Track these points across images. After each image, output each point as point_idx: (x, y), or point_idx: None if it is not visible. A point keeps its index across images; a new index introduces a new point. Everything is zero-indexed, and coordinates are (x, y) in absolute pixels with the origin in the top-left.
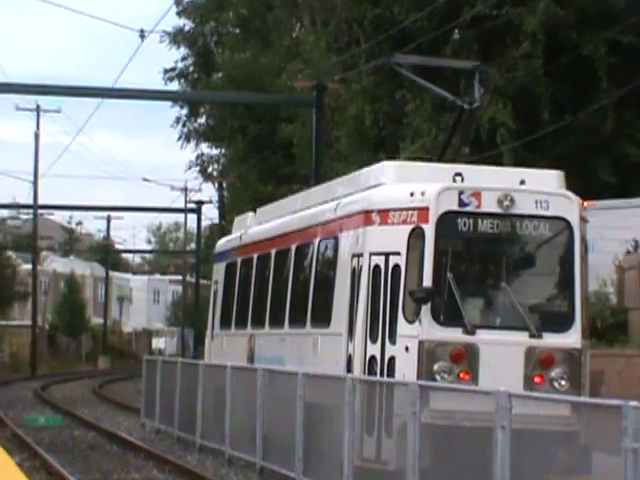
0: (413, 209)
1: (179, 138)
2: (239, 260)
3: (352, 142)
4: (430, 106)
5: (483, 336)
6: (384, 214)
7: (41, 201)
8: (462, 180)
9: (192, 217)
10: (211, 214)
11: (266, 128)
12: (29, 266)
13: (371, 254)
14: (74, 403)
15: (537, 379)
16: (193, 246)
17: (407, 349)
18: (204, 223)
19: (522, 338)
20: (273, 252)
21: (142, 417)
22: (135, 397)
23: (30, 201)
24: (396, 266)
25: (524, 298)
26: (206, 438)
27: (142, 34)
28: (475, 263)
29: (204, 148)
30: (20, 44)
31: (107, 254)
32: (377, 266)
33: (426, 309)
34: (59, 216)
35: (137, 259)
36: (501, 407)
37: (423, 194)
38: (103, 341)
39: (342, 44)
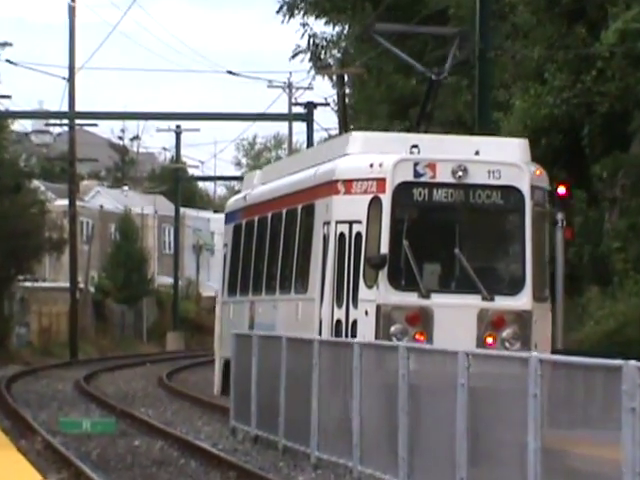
0: (372, 179)
1: (280, 9)
2: (244, 222)
3: (535, 11)
4: None
5: (437, 300)
6: (348, 184)
7: (79, 107)
8: (419, 151)
9: (300, 127)
10: (328, 121)
11: None
12: (64, 202)
13: (337, 222)
14: (132, 400)
15: (489, 340)
16: None
17: (367, 313)
18: (317, 135)
19: (474, 301)
20: (269, 216)
21: (232, 419)
22: None
23: (63, 107)
24: (358, 234)
25: (477, 263)
26: (325, 449)
27: None
28: (430, 231)
29: (317, 25)
30: None
31: (177, 183)
32: (342, 234)
33: (383, 275)
34: (106, 128)
35: (221, 190)
36: (460, 366)
37: (381, 165)
38: (173, 310)
39: None
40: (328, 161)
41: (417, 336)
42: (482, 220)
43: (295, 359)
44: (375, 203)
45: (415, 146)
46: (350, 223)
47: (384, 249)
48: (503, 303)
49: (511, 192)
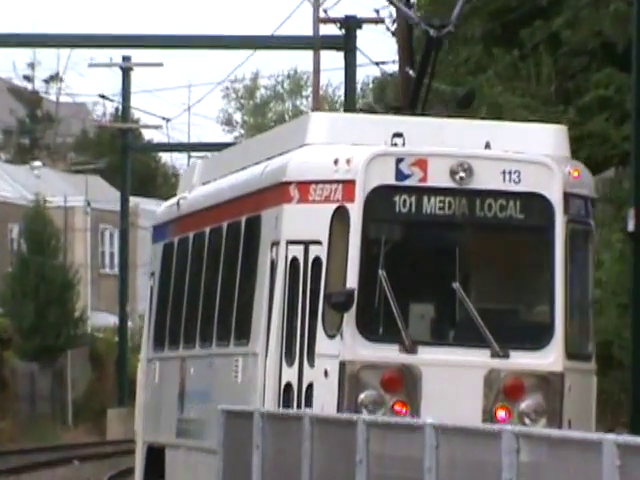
0: (337, 182)
1: None
2: (176, 241)
3: None
4: None
5: (427, 355)
6: (304, 188)
7: None
8: (404, 142)
9: (333, 59)
10: (380, 50)
11: None
12: None
13: (288, 243)
14: None
15: (501, 413)
16: None
17: (326, 373)
18: (362, 72)
19: (481, 358)
20: (207, 232)
21: None
22: None
23: None
24: (316, 260)
25: (484, 304)
26: None
27: None
28: (418, 257)
29: None
30: None
31: (125, 155)
32: (295, 259)
33: (350, 319)
34: (3, 62)
35: None
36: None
37: (349, 162)
38: (118, 370)
39: None
40: (281, 154)
41: (397, 407)
42: (493, 242)
43: (326, 453)
44: (340, 216)
45: (399, 135)
46: (306, 244)
47: (352, 282)
48: (522, 361)
49: (535, 202)
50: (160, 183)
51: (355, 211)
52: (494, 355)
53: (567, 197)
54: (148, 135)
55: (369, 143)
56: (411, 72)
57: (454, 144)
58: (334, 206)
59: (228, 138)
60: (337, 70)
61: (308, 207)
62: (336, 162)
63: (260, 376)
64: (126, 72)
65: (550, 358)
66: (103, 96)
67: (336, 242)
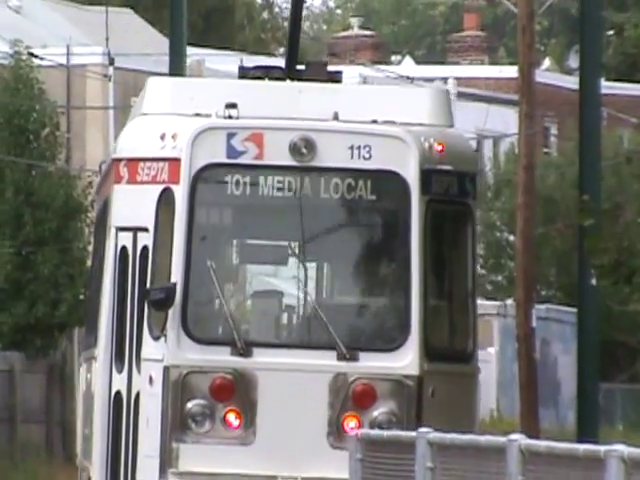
0: (164, 160)
1: None
2: (106, 199)
3: None
4: None
5: (262, 358)
6: (133, 166)
7: None
8: (238, 113)
9: None
10: None
11: None
12: None
13: (118, 229)
14: None
15: (350, 423)
16: None
17: (151, 380)
18: None
19: (326, 361)
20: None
21: None
22: None
23: None
24: (144, 250)
25: (331, 298)
26: None
27: None
28: (253, 245)
29: None
30: None
31: None
32: (124, 249)
33: (174, 318)
34: None
35: None
36: None
37: (175, 137)
38: None
39: None
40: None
41: (229, 417)
42: (340, 227)
43: None
44: (166, 199)
45: (232, 105)
46: (135, 231)
47: (176, 275)
48: (373, 364)
49: (388, 180)
50: (240, 23)
51: (180, 194)
52: (340, 358)
53: (428, 174)
54: None
55: (210, 114)
56: None
57: (307, 115)
58: (160, 188)
59: None
60: None
61: (136, 188)
62: (162, 137)
63: (99, 385)
64: None
65: (405, 360)
66: None
67: (162, 229)
